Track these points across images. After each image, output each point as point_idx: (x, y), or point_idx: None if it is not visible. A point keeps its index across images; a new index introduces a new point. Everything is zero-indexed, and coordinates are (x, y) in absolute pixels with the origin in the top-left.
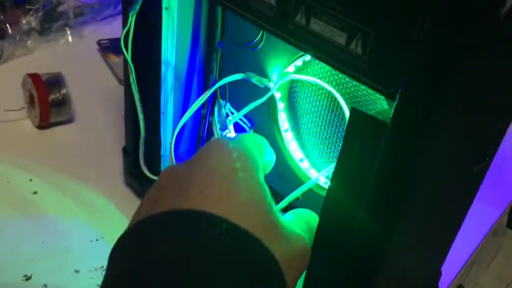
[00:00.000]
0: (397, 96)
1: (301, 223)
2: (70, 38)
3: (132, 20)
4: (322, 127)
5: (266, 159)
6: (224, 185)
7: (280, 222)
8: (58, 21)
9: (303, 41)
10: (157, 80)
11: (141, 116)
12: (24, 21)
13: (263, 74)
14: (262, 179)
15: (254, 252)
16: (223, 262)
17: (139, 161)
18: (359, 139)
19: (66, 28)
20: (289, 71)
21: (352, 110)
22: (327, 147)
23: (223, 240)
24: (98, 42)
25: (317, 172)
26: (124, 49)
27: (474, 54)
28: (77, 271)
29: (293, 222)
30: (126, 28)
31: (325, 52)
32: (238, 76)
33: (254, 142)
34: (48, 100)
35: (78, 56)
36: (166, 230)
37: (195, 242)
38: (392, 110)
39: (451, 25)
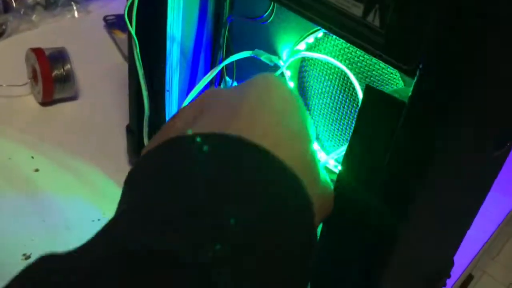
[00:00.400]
0: (417, 73)
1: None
2: (76, 13)
3: None
4: (334, 108)
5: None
6: (274, 119)
7: (319, 167)
8: None
9: (317, 13)
10: (163, 56)
11: (145, 93)
12: None
13: (273, 51)
14: (309, 126)
15: (292, 189)
16: (259, 192)
17: (143, 140)
18: (374, 120)
19: (72, 3)
20: (300, 48)
21: (367, 88)
22: (338, 129)
23: (269, 174)
24: (105, 18)
25: (326, 155)
26: (128, 22)
27: (501, 26)
28: None
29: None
30: (130, 0)
31: (340, 25)
32: (246, 54)
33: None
34: (51, 76)
35: (84, 32)
36: (211, 153)
37: (240, 171)
38: (411, 89)
39: None
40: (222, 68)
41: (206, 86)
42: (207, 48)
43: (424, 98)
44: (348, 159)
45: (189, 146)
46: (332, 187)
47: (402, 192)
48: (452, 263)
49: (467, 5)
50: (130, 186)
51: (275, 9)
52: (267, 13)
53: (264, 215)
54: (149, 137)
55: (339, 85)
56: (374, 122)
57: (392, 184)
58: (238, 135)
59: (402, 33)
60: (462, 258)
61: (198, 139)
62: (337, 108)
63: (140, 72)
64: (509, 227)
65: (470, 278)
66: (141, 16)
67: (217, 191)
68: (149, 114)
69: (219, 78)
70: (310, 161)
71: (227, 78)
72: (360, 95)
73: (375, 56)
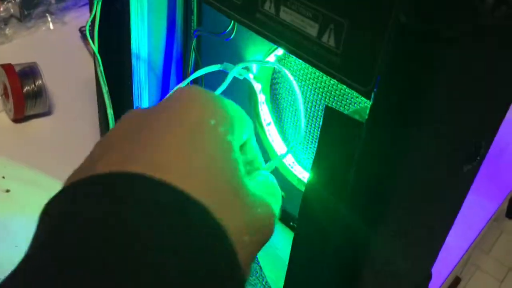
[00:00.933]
0: (372, 95)
1: (269, 187)
2: (51, 25)
3: (97, 7)
4: (306, 121)
5: (244, 134)
6: (180, 143)
7: (244, 188)
8: (38, 7)
9: (273, 32)
10: (128, 72)
11: (110, 112)
12: (2, 8)
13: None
14: (234, 143)
15: (194, 218)
16: (159, 227)
17: None
18: (335, 139)
19: (47, 14)
20: (270, 60)
21: (326, 109)
22: (312, 141)
23: (162, 206)
24: (80, 29)
25: (301, 168)
26: (90, 39)
27: (454, 47)
28: None
29: (263, 186)
30: (92, 16)
31: (296, 44)
32: (215, 67)
33: (236, 107)
34: (22, 92)
35: (59, 44)
36: (97, 194)
37: (131, 206)
38: (367, 109)
39: (428, 16)
40: (191, 82)
41: None
42: (179, 64)
43: (380, 120)
44: (314, 176)
45: (82, 189)
46: (269, 204)
47: (368, 209)
48: (430, 276)
49: (416, 27)
50: (39, 222)
51: (236, 26)
52: (229, 29)
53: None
54: None
55: (311, 97)
56: (336, 141)
57: (358, 202)
58: (140, 172)
59: (357, 53)
60: (447, 263)
61: (93, 184)
62: (310, 120)
63: (105, 89)
64: (499, 223)
65: (457, 280)
66: (104, 32)
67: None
68: None
69: None
70: (227, 185)
71: None
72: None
73: (332, 77)
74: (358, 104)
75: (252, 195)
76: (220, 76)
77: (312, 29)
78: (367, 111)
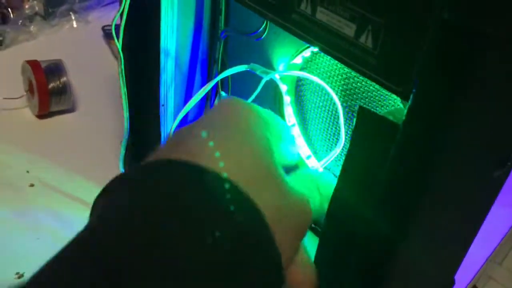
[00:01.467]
0: (411, 96)
1: (308, 182)
2: (74, 24)
3: (126, 3)
4: (331, 123)
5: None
6: (221, 134)
7: (281, 178)
8: (62, 5)
9: (308, 32)
10: (157, 70)
11: (126, 115)
12: (27, 5)
13: (269, 65)
14: (271, 142)
15: (232, 200)
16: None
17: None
18: (367, 141)
19: (71, 13)
20: (297, 62)
21: (360, 109)
22: (336, 144)
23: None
24: (103, 28)
25: (324, 170)
26: (115, 36)
27: (497, 47)
28: None
29: (299, 181)
30: (119, 13)
31: (332, 45)
32: (241, 68)
33: (273, 115)
34: (47, 88)
35: (83, 42)
36: (142, 180)
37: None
38: (405, 111)
39: (473, 13)
40: (218, 82)
41: (202, 100)
42: (203, 62)
43: (418, 123)
44: (344, 178)
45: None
46: (305, 196)
47: (398, 214)
48: (453, 282)
49: (460, 25)
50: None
51: (268, 26)
52: (260, 29)
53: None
54: (125, 161)
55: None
56: (368, 143)
57: (388, 206)
58: (169, 158)
59: (395, 54)
60: (466, 272)
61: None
62: (335, 122)
63: (123, 90)
64: None
65: None
66: (133, 29)
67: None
68: (128, 137)
69: (214, 92)
70: (266, 172)
71: (223, 93)
72: (340, 110)
73: (368, 78)
74: (385, 107)
75: (289, 186)
76: (246, 76)
77: (349, 30)
78: (403, 113)
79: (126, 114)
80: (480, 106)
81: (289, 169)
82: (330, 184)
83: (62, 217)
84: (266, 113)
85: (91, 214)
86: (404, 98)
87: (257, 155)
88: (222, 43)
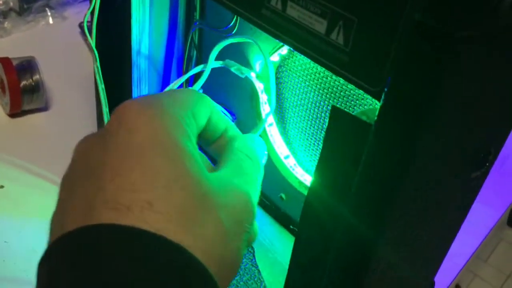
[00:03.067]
0: (383, 95)
1: (239, 151)
2: (50, 20)
3: (96, 1)
4: (310, 122)
5: (202, 120)
6: (137, 173)
7: (210, 189)
8: (38, 1)
9: (279, 28)
10: (128, 69)
11: (105, 110)
12: (1, 1)
13: (246, 63)
14: (185, 144)
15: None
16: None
17: None
18: (340, 140)
19: (47, 9)
20: (274, 60)
21: (333, 109)
22: (315, 143)
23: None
24: (80, 25)
25: (303, 170)
26: (88, 34)
27: (469, 48)
28: None
29: (234, 166)
30: (90, 10)
31: (303, 42)
32: (215, 64)
33: (179, 96)
34: (19, 87)
35: (59, 39)
36: (71, 259)
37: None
38: (377, 111)
39: (444, 14)
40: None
41: None
42: (179, 59)
43: (390, 122)
44: (318, 178)
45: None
46: (241, 189)
47: (372, 214)
48: (433, 284)
49: (432, 26)
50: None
51: (239, 21)
52: (230, 25)
53: None
54: None
55: (315, 99)
56: (341, 143)
57: (362, 206)
58: (108, 221)
59: (367, 51)
60: (449, 272)
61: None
62: (313, 121)
63: (101, 87)
64: (498, 230)
65: None
66: (104, 27)
67: None
68: None
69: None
70: (192, 200)
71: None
72: None
73: (339, 76)
74: (363, 106)
75: (219, 194)
76: (223, 73)
77: (320, 26)
78: (376, 113)
79: (105, 109)
80: (454, 105)
81: (222, 145)
82: (262, 147)
83: (32, 219)
84: (169, 100)
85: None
86: (376, 97)
87: (181, 186)
88: (197, 35)
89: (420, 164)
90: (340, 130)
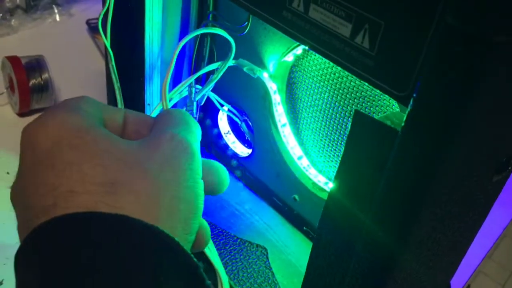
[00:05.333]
0: (411, 101)
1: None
2: (57, 17)
3: (110, 1)
4: (324, 123)
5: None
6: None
7: (127, 150)
8: None
9: (301, 31)
10: (141, 69)
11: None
12: None
13: (259, 62)
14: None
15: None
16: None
17: None
18: (364, 146)
19: (54, 6)
20: (288, 60)
21: (356, 113)
22: (329, 144)
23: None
24: (87, 22)
25: (316, 171)
26: (102, 33)
27: (502, 54)
28: None
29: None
30: (105, 9)
31: (325, 45)
32: (228, 63)
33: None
34: (28, 86)
35: (66, 37)
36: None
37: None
38: (405, 116)
39: (478, 18)
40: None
41: (185, 97)
42: (191, 59)
43: (418, 129)
44: (339, 183)
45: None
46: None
47: (395, 221)
48: (449, 287)
49: (464, 29)
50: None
51: (251, 21)
52: (243, 25)
53: None
54: None
55: (329, 99)
56: (365, 148)
57: (386, 213)
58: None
59: (394, 56)
60: (461, 275)
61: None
62: (328, 122)
63: (116, 85)
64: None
65: None
66: (117, 27)
67: None
68: None
69: None
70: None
71: (193, 89)
72: None
73: (364, 80)
74: (379, 107)
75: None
76: (236, 72)
77: (344, 29)
78: (401, 117)
79: (121, 107)
80: (482, 111)
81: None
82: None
83: None
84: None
85: (16, 270)
86: (403, 102)
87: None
88: (209, 38)
89: (447, 171)
90: (364, 135)
